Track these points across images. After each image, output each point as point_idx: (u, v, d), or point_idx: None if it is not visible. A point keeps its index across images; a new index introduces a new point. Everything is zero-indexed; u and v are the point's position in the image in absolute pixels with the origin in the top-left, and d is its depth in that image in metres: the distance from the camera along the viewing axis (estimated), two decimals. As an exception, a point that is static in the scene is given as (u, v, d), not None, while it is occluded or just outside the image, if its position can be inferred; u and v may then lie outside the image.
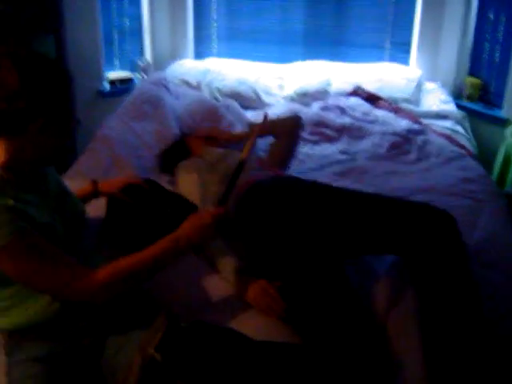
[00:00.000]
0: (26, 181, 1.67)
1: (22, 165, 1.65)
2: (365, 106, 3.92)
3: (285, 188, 2.33)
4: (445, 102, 4.20)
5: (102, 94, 4.55)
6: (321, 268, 1.95)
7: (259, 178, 2.43)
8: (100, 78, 4.54)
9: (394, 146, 3.42)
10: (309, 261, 1.98)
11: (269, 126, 2.88)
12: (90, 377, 1.70)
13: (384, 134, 3.54)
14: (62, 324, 1.70)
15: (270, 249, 2.10)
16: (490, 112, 4.34)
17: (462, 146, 3.47)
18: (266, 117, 2.55)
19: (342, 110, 3.85)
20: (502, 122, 4.17)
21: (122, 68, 4.78)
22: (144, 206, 2.24)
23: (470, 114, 4.22)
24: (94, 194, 2.22)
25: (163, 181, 2.77)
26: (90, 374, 1.70)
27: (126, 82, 4.64)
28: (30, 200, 1.63)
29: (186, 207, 2.35)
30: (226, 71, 4.42)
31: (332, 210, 2.14)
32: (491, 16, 4.35)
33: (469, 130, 3.96)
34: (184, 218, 2.06)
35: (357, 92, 4.16)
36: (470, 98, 4.47)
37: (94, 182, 2.23)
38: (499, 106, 4.30)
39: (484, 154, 3.78)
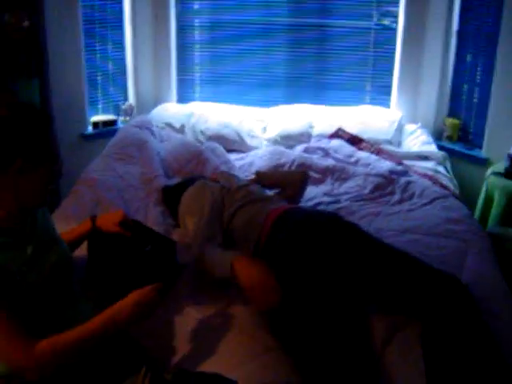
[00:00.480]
0: (8, 224, 1.69)
1: (5, 207, 1.68)
2: (347, 148, 3.97)
3: (314, 220, 2.34)
4: (426, 143, 4.25)
5: (86, 137, 4.55)
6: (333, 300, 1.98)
7: (286, 207, 2.46)
8: (84, 121, 4.55)
9: (377, 188, 3.44)
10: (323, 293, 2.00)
11: (278, 178, 2.92)
12: None
13: (367, 175, 3.56)
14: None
15: (292, 273, 2.10)
16: (470, 152, 4.40)
17: (445, 187, 3.51)
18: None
19: (326, 152, 3.89)
20: (483, 162, 4.23)
21: (106, 111, 4.80)
22: (126, 242, 2.23)
23: (451, 154, 4.28)
24: (93, 231, 2.22)
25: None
26: None
27: (110, 125, 4.65)
28: (2, 242, 1.64)
29: (166, 245, 2.37)
30: (210, 114, 4.46)
31: (357, 254, 2.18)
32: (469, 58, 4.44)
33: (450, 171, 4.01)
34: (163, 255, 2.21)
35: (338, 134, 4.21)
36: (449, 138, 4.53)
37: (92, 219, 2.23)
38: (479, 147, 4.36)
39: (465, 194, 3.81)
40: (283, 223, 2.35)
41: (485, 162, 4.22)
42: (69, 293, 1.82)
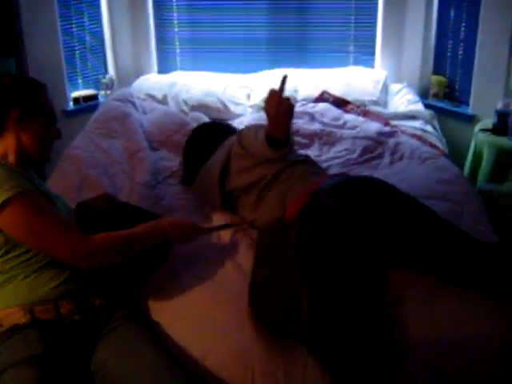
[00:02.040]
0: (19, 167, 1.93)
1: (16, 157, 1.93)
2: (333, 111, 3.91)
3: (354, 185, 2.30)
4: (412, 102, 4.20)
5: (67, 113, 4.46)
6: (358, 276, 1.95)
7: (320, 182, 2.36)
8: (64, 97, 4.45)
9: (366, 150, 3.40)
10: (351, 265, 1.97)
11: None
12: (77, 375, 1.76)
13: (355, 138, 3.52)
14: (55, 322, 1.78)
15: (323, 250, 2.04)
16: (457, 109, 4.37)
17: (434, 146, 3.47)
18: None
19: (312, 116, 3.83)
20: (470, 119, 4.21)
21: (86, 86, 4.70)
22: (114, 220, 2.22)
23: (438, 112, 4.24)
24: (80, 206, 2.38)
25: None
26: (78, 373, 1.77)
27: (91, 100, 4.57)
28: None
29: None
30: (192, 83, 4.38)
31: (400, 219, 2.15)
32: (452, 14, 4.38)
33: (438, 129, 3.97)
34: None
35: (324, 97, 4.15)
36: (436, 96, 4.49)
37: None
38: (466, 103, 4.32)
39: (453, 152, 3.78)
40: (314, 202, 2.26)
41: (472, 119, 4.20)
42: None
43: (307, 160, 2.65)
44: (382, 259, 2.11)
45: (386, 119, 3.85)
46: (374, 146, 3.44)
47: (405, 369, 1.81)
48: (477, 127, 3.93)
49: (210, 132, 3.04)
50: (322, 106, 4.00)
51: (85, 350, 1.80)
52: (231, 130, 3.00)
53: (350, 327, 1.81)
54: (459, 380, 1.84)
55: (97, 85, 4.74)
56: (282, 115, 2.22)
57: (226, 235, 2.42)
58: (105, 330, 1.85)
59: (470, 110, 4.26)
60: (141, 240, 1.94)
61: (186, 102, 4.22)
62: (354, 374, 1.75)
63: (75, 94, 4.56)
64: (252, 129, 2.63)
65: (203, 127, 3.16)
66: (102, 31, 4.72)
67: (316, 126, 3.72)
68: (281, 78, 2.24)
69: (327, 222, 2.08)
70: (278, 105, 2.21)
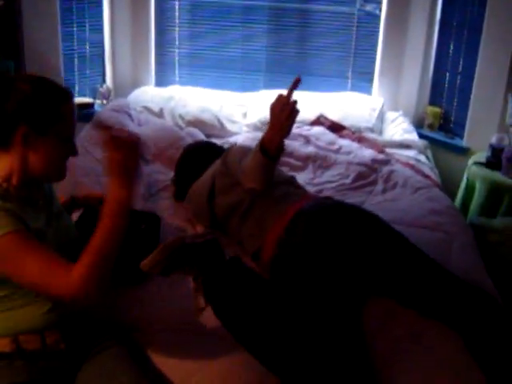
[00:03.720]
0: (24, 193, 1.75)
1: (20, 178, 1.72)
2: (329, 136, 3.92)
3: (331, 214, 2.25)
4: (407, 132, 4.23)
5: (62, 121, 4.44)
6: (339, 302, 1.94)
7: (302, 205, 2.33)
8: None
9: (359, 177, 3.40)
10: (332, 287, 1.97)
11: None
12: None
13: (349, 163, 3.53)
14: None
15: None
16: (451, 141, 4.39)
17: (427, 176, 3.49)
18: None
19: (307, 139, 3.84)
20: (464, 151, 4.23)
21: (83, 94, 4.70)
22: None
23: (432, 142, 4.27)
24: (71, 205, 2.26)
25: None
26: None
27: (87, 108, 4.56)
28: (26, 210, 1.70)
29: (155, 221, 2.42)
30: (189, 99, 4.38)
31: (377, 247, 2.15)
32: (452, 47, 4.42)
33: (431, 160, 3.99)
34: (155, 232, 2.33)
35: (320, 121, 4.16)
36: (430, 127, 4.51)
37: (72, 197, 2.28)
38: (460, 136, 4.35)
39: (446, 183, 3.79)
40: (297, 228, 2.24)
41: (466, 152, 4.22)
42: None
43: (289, 181, 2.64)
44: (360, 290, 2.11)
45: (380, 147, 3.87)
46: (368, 173, 3.44)
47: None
48: (470, 160, 3.94)
49: (202, 151, 3.03)
50: (317, 129, 4.01)
51: (69, 376, 1.77)
52: (223, 151, 2.98)
53: (326, 361, 1.79)
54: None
55: (94, 93, 4.73)
56: (286, 117, 2.15)
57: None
58: (88, 356, 1.82)
59: (463, 143, 4.28)
60: (112, 233, 1.65)
61: (182, 117, 4.21)
62: None
63: (72, 101, 4.54)
64: (239, 150, 2.61)
65: (195, 146, 3.16)
66: (102, 40, 4.72)
67: (310, 149, 3.72)
68: (294, 80, 2.21)
69: (302, 261, 2.09)
70: (284, 105, 2.17)
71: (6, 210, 1.62)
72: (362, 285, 2.11)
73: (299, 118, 4.06)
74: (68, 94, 1.79)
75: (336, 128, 4.09)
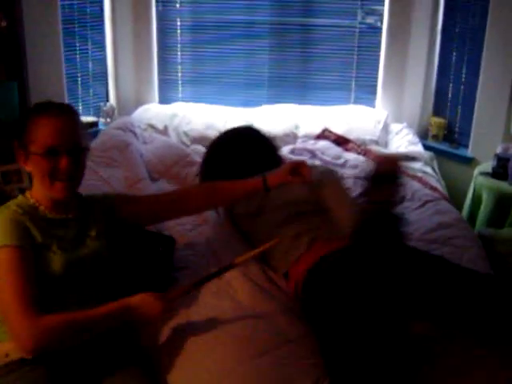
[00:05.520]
0: (52, 214, 1.83)
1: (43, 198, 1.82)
2: (334, 149, 3.92)
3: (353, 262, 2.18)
4: (412, 143, 4.22)
5: (66, 140, 4.43)
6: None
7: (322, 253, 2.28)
8: (64, 123, 4.43)
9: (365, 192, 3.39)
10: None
11: None
12: None
13: (357, 177, 3.51)
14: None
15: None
16: (455, 151, 4.38)
17: (435, 189, 3.48)
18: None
19: (312, 154, 3.84)
20: (469, 161, 4.22)
21: (86, 113, 4.70)
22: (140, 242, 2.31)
23: (436, 153, 4.26)
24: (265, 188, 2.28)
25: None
26: None
27: (91, 127, 4.56)
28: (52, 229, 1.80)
29: (170, 243, 2.42)
30: (193, 115, 4.39)
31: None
32: (454, 57, 4.43)
33: (437, 171, 3.98)
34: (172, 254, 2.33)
35: (325, 135, 4.16)
36: (435, 138, 4.51)
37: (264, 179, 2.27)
38: (465, 146, 4.34)
39: (452, 193, 3.78)
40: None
41: (471, 162, 4.21)
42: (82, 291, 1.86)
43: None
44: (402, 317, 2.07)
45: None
46: (375, 187, 3.43)
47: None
48: (476, 170, 3.94)
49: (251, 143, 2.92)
50: (322, 143, 4.02)
51: None
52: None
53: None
54: None
55: (97, 112, 4.73)
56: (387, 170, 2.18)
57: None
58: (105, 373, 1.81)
59: (468, 153, 4.28)
60: (99, 323, 1.73)
61: (186, 134, 4.22)
62: None
63: (76, 120, 4.54)
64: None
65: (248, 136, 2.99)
66: (105, 59, 4.73)
67: (317, 164, 3.70)
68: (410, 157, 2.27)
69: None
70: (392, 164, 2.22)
71: (17, 222, 1.71)
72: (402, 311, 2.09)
73: (304, 132, 4.16)
74: (46, 106, 1.86)
75: (341, 141, 4.09)
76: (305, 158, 3.79)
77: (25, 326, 1.60)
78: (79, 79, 4.60)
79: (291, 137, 4.20)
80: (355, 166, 3.71)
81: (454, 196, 3.84)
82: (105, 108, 4.68)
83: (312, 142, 4.05)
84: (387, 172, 2.20)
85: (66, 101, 4.39)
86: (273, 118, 4.33)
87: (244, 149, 2.86)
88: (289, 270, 2.35)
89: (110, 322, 1.76)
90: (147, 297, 1.79)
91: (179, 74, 4.91)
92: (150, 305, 1.78)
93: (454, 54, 4.43)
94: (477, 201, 3.82)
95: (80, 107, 4.65)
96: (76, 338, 1.71)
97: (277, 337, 2.02)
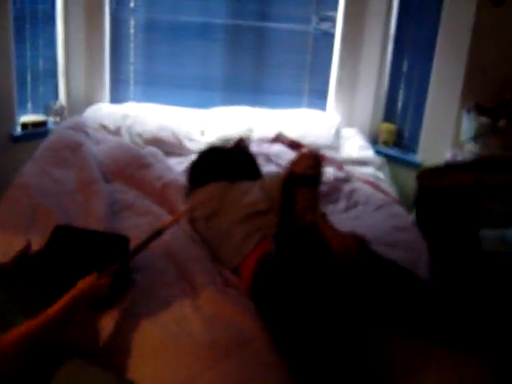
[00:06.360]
0: None
1: None
2: (289, 154, 3.91)
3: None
4: (363, 148, 4.27)
5: (14, 139, 4.34)
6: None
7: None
8: (12, 121, 4.33)
9: (322, 195, 3.41)
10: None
11: None
12: None
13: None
14: None
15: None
16: (405, 157, 4.47)
17: (386, 193, 3.53)
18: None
19: (267, 158, 3.83)
20: (418, 167, 4.30)
21: (35, 111, 4.60)
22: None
23: (387, 159, 4.34)
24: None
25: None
26: None
27: (40, 126, 4.46)
28: None
29: (125, 243, 2.42)
30: (146, 116, 4.33)
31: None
32: (406, 63, 4.51)
33: (388, 176, 4.05)
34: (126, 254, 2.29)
35: (279, 139, 4.18)
36: (385, 143, 4.59)
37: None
38: (414, 151, 4.43)
39: (401, 198, 3.85)
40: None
41: (419, 167, 4.29)
42: None
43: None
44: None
45: (340, 164, 3.90)
46: (330, 191, 3.46)
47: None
48: (426, 176, 4.01)
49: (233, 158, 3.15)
50: (277, 147, 4.02)
51: None
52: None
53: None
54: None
55: (46, 110, 4.63)
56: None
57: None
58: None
59: (417, 158, 4.36)
60: (54, 324, 1.76)
61: (140, 136, 4.17)
62: None
63: (24, 118, 4.44)
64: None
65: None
66: (55, 57, 4.63)
67: (272, 168, 3.71)
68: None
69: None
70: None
71: None
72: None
73: (258, 135, 4.17)
74: None
75: (295, 146, 4.11)
76: (259, 162, 3.79)
77: None
78: (28, 76, 4.49)
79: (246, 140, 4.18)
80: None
81: (403, 201, 3.90)
82: (55, 107, 4.59)
83: (266, 145, 4.05)
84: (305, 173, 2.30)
85: (16, 98, 4.29)
86: (227, 121, 4.32)
87: (230, 161, 3.10)
88: (240, 265, 2.42)
89: (66, 317, 1.79)
90: (87, 279, 1.91)
91: (131, 74, 4.85)
92: (93, 284, 1.91)
93: (406, 60, 4.52)
94: (426, 206, 3.89)
95: (29, 105, 4.55)
96: (37, 343, 1.71)
97: (237, 337, 2.03)
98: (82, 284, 1.88)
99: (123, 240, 2.45)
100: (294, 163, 2.62)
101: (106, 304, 2.16)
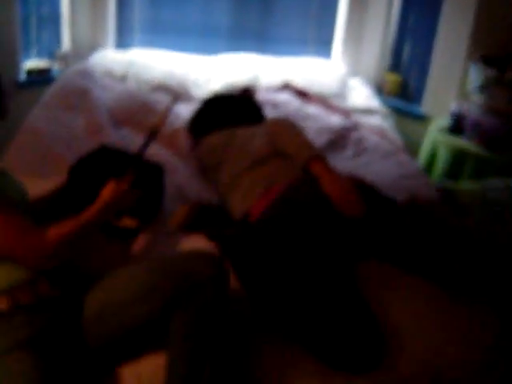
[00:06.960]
0: None
1: None
2: (296, 102, 3.92)
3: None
4: (369, 98, 4.28)
5: (19, 85, 4.32)
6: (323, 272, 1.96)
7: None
8: (17, 67, 4.30)
9: (330, 143, 3.44)
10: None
11: None
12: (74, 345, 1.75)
13: (319, 129, 3.54)
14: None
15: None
16: (409, 108, 4.48)
17: (393, 142, 3.55)
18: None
19: (275, 106, 3.83)
20: (422, 119, 4.33)
21: (39, 57, 4.56)
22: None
23: (391, 109, 4.35)
24: None
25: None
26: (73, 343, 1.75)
27: (45, 73, 4.43)
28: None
29: (159, 172, 2.48)
30: (152, 63, 4.30)
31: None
32: (413, 14, 4.49)
33: (392, 126, 4.07)
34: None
35: (287, 87, 4.17)
36: (390, 94, 4.59)
37: None
38: (419, 103, 4.44)
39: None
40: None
41: (423, 118, 4.32)
42: None
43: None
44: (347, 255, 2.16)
45: (348, 112, 3.91)
46: (338, 139, 3.49)
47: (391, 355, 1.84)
48: (432, 127, 4.04)
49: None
50: (285, 96, 4.02)
51: (70, 325, 1.77)
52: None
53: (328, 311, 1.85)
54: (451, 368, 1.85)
55: (51, 56, 4.59)
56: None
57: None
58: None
59: (422, 110, 4.38)
60: (89, 225, 1.86)
61: (146, 83, 4.16)
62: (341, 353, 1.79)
63: (30, 65, 4.41)
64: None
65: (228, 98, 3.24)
66: (59, 1, 4.57)
67: (280, 116, 3.70)
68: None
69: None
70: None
71: None
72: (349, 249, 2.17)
73: (264, 83, 4.16)
74: None
75: (302, 95, 4.11)
76: (267, 109, 3.79)
77: (38, 240, 1.70)
78: (32, 21, 4.44)
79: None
80: (317, 119, 3.72)
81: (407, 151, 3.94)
82: (59, 52, 4.55)
83: (274, 93, 4.05)
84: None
85: (20, 45, 4.25)
86: (233, 68, 4.30)
87: (233, 108, 3.11)
88: (249, 212, 2.37)
89: (98, 221, 1.89)
90: (110, 186, 1.98)
91: (136, 19, 4.78)
92: (114, 188, 1.98)
93: (413, 10, 4.50)
94: (432, 156, 3.93)
95: (33, 50, 4.51)
96: (78, 242, 1.81)
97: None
98: (105, 191, 1.97)
99: (158, 169, 2.48)
100: None
101: (134, 232, 2.26)
